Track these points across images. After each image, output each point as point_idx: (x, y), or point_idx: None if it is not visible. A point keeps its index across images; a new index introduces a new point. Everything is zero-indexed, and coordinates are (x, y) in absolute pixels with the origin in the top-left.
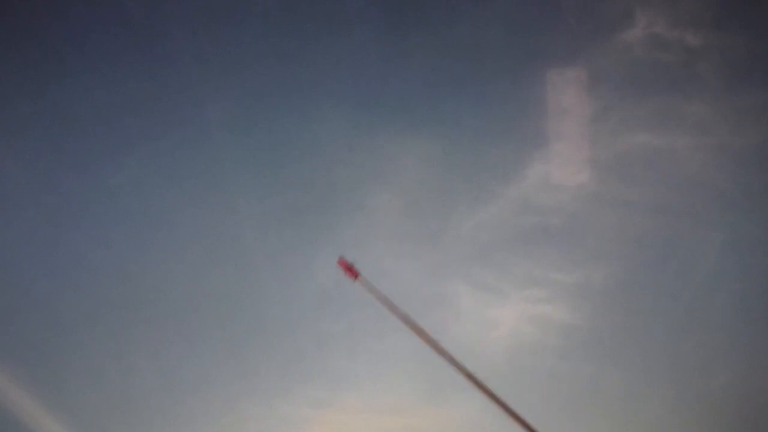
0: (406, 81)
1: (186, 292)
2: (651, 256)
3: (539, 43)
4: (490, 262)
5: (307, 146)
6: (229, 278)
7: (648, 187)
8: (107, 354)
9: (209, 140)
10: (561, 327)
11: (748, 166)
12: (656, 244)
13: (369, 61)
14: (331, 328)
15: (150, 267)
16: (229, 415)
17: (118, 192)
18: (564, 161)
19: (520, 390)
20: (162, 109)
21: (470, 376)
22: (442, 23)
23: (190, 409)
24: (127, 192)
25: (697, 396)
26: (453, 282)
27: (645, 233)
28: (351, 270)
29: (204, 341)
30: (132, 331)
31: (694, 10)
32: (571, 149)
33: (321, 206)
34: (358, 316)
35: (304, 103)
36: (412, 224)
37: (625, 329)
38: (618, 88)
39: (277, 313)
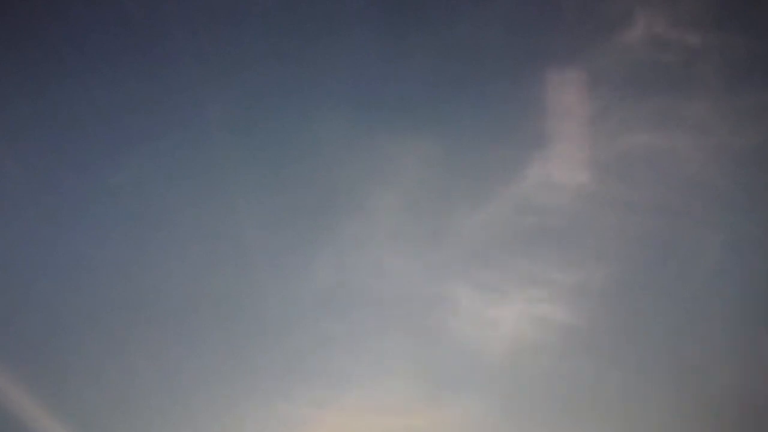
0: (406, 81)
1: (186, 292)
2: (651, 256)
3: (539, 43)
4: (490, 262)
5: (307, 146)
6: (229, 278)
7: (648, 187)
8: (107, 354)
9: (209, 140)
10: (561, 327)
11: (749, 166)
12: (656, 244)
13: (369, 61)
14: (331, 328)
15: (150, 267)
16: (229, 415)
17: (118, 192)
18: (564, 161)
19: (520, 390)
20: (162, 109)
21: None
22: (442, 23)
23: (190, 409)
24: (127, 192)
25: (697, 396)
26: (453, 282)
27: (645, 233)
28: None
29: (204, 341)
30: (132, 331)
31: (694, 10)
32: (571, 149)
33: (321, 206)
34: (358, 316)
35: (305, 103)
36: (412, 224)
37: (625, 329)
38: (618, 88)
39: (277, 313)
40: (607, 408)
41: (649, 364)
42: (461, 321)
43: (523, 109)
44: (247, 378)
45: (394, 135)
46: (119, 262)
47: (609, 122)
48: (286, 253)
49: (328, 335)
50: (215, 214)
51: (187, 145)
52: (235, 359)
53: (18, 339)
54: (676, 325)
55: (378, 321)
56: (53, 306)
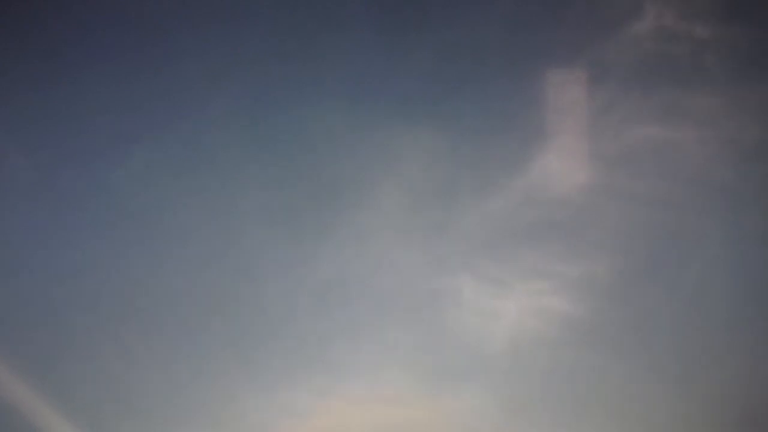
0: (410, 75)
1: (188, 284)
2: (656, 249)
3: (546, 34)
4: (494, 255)
5: (309, 141)
6: (231, 271)
7: (654, 180)
8: (107, 345)
9: (212, 136)
10: (565, 319)
11: (756, 160)
12: (662, 237)
13: (372, 55)
14: (333, 320)
15: (151, 259)
16: (231, 406)
17: (119, 188)
18: (569, 154)
19: (523, 382)
20: (164, 105)
21: None
22: (445, 18)
23: (191, 400)
24: (128, 188)
25: (701, 390)
26: (457, 274)
27: (650, 226)
28: None
29: (205, 333)
30: (132, 324)
31: (703, 2)
32: (576, 142)
33: (324, 199)
34: (360, 307)
35: (307, 98)
36: (416, 217)
37: (629, 322)
38: (625, 81)
39: (279, 306)
40: (611, 401)
41: (653, 356)
42: (464, 313)
43: (529, 101)
44: (249, 370)
45: (399, 129)
46: (120, 256)
47: (615, 115)
48: (289, 246)
49: (330, 327)
50: (218, 209)
51: (189, 141)
52: (237, 351)
53: (17, 338)
54: (680, 318)
55: (380, 313)
56: (53, 303)
